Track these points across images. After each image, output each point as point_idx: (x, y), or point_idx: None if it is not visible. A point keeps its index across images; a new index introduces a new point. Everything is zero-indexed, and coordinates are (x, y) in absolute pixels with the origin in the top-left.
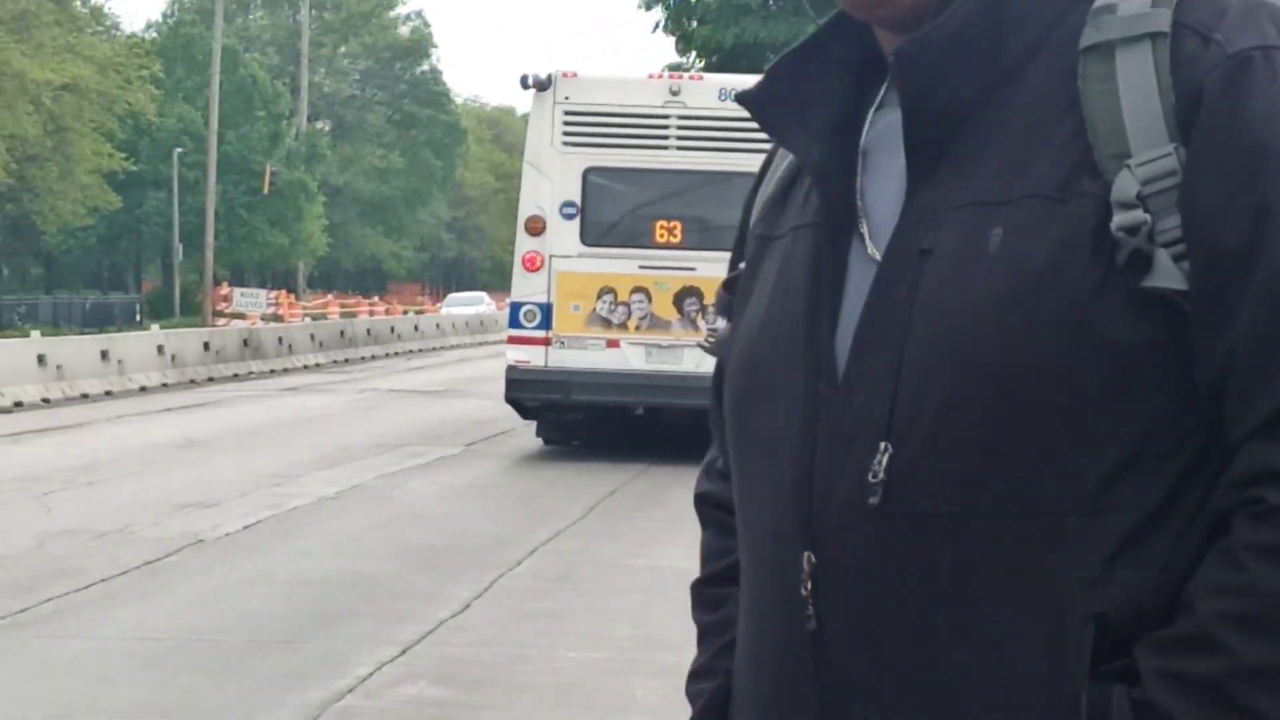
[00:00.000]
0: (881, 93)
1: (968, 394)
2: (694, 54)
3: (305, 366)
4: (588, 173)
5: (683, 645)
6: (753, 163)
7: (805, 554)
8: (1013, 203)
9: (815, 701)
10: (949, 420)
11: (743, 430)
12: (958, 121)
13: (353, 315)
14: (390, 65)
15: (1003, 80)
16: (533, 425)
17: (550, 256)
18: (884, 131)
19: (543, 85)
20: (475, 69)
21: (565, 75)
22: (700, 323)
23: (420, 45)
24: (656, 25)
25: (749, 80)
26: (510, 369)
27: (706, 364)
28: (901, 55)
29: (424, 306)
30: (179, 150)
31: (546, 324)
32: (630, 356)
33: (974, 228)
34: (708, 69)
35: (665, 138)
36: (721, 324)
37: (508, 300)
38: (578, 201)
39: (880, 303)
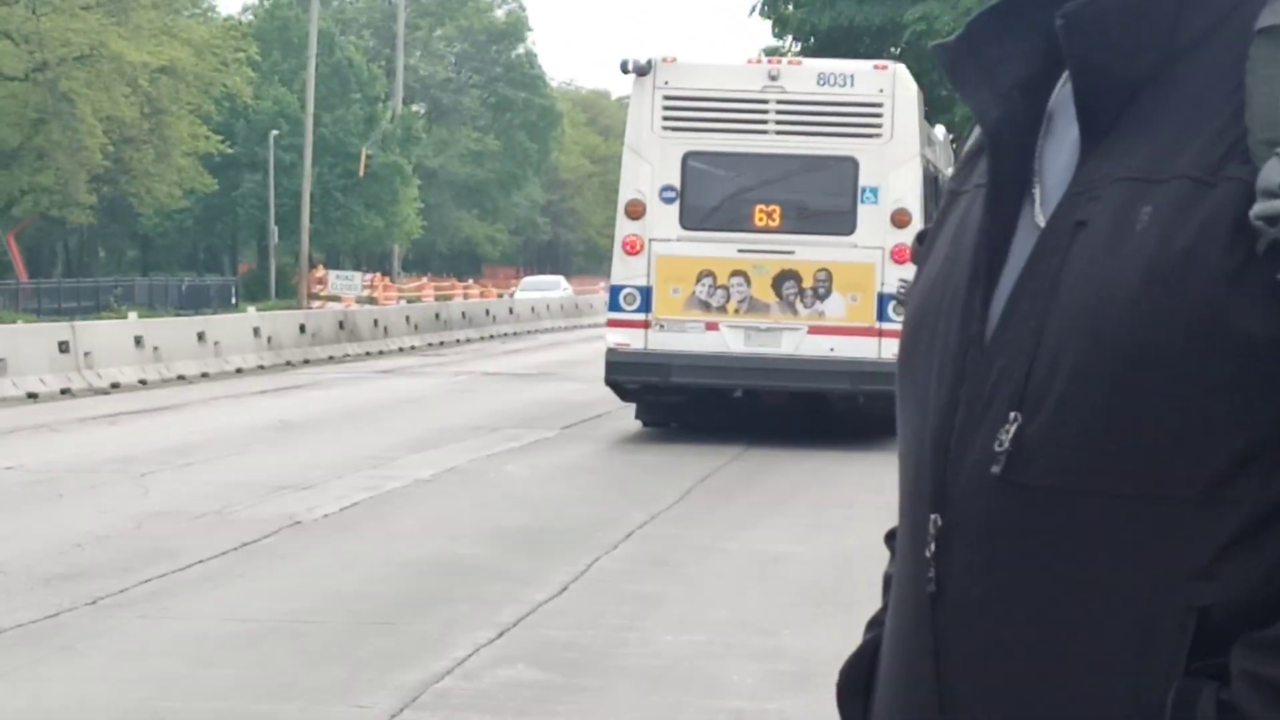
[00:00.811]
0: None
1: (1096, 371)
2: (790, 37)
3: (400, 349)
4: (687, 157)
5: (779, 629)
6: (849, 147)
7: (933, 516)
8: (1164, 182)
9: (930, 663)
10: (1075, 396)
11: (903, 384)
12: (1130, 94)
13: (447, 298)
14: (486, 48)
15: (1178, 56)
16: (629, 408)
17: (650, 240)
18: (1067, 96)
19: (643, 70)
20: (571, 52)
21: (665, 60)
22: (799, 306)
23: (516, 28)
24: (753, 9)
25: (847, 65)
26: (610, 351)
27: (805, 347)
28: (1068, 19)
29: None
30: (275, 133)
31: (646, 307)
32: (729, 339)
33: (1126, 204)
34: (804, 52)
35: (764, 122)
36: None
37: (604, 284)
38: (677, 185)
39: (1033, 272)
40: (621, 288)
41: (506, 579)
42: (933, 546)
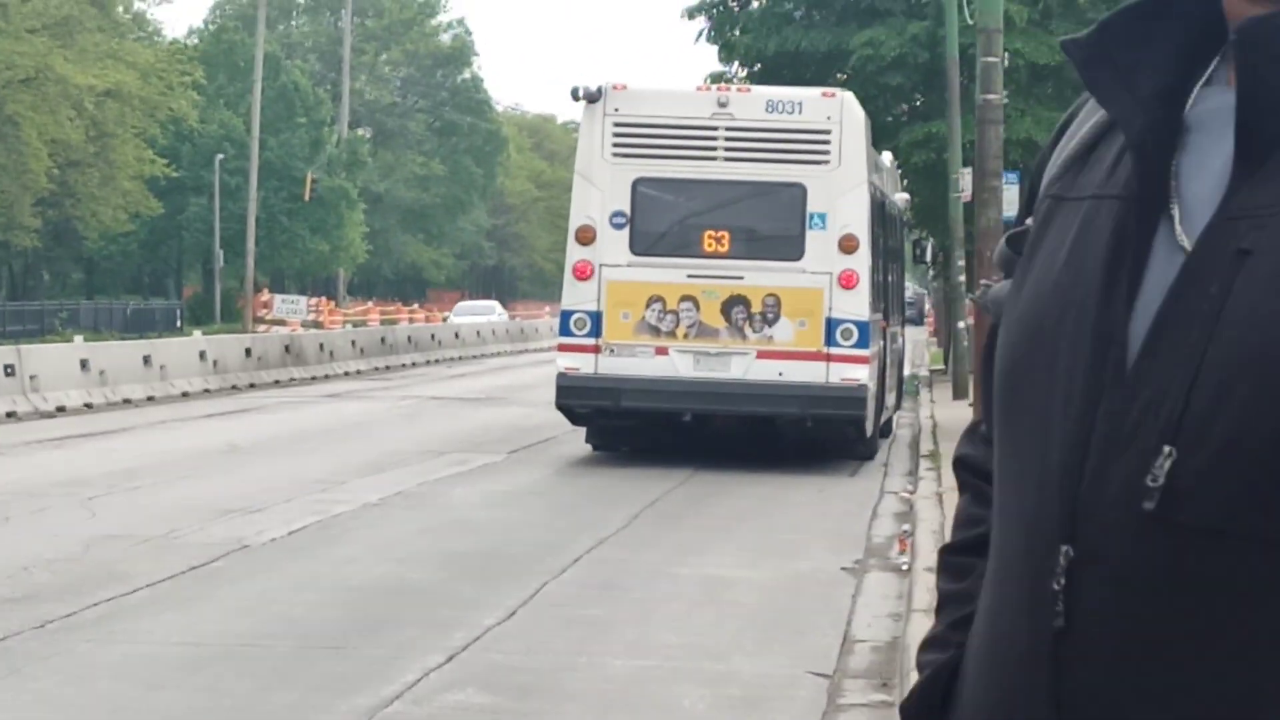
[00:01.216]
0: (1212, 67)
1: (1269, 410)
2: (736, 63)
3: (346, 373)
4: (637, 183)
5: (729, 654)
6: (797, 174)
7: (1063, 548)
8: None
9: (1048, 703)
10: (1244, 435)
11: (1012, 400)
12: None
13: (393, 322)
14: (431, 73)
15: None
16: (577, 433)
17: (600, 265)
18: (1211, 112)
19: (593, 97)
20: (516, 77)
21: (615, 88)
22: (748, 330)
23: (462, 53)
24: (699, 34)
25: (795, 93)
26: (561, 376)
27: (754, 371)
28: (1245, 34)
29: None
30: (220, 157)
31: (596, 332)
32: (679, 364)
33: None
34: (750, 78)
35: (713, 149)
36: (998, 280)
37: (549, 308)
38: (627, 211)
39: (1186, 297)
40: (572, 313)
41: (455, 603)
42: (1062, 580)
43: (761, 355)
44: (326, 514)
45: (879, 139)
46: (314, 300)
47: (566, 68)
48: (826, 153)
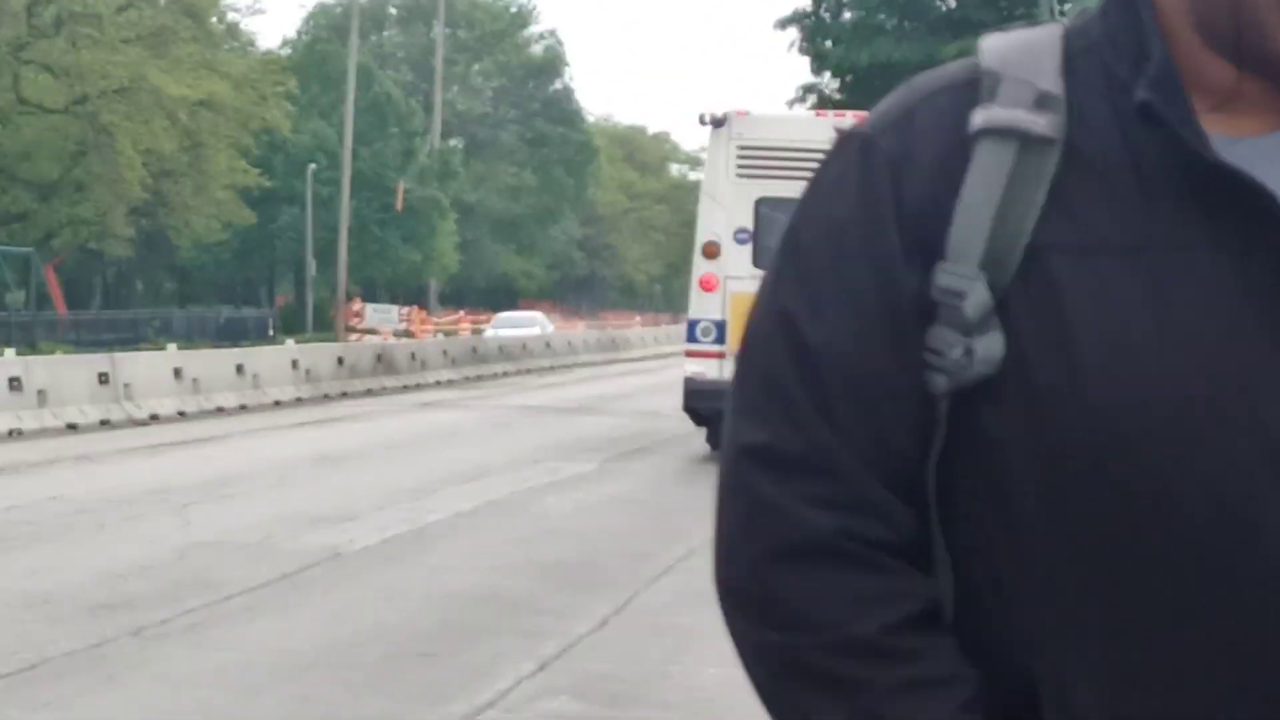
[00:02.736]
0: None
1: None
2: (828, 74)
3: (437, 382)
4: (759, 202)
5: None
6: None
7: None
8: None
9: None
10: None
11: (1146, 483)
12: None
13: (484, 332)
14: (523, 83)
15: None
16: (670, 441)
17: (725, 278)
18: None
19: (719, 123)
20: (608, 88)
21: (739, 114)
22: None
23: (553, 64)
24: (791, 44)
25: None
26: (688, 380)
27: None
28: None
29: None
30: (313, 166)
31: (721, 340)
32: None
33: None
34: (841, 89)
35: None
36: (954, 342)
37: (639, 319)
38: (750, 228)
39: None
40: (698, 321)
41: (547, 612)
42: None
43: None
44: (418, 522)
45: None
46: (406, 309)
47: (658, 79)
48: None
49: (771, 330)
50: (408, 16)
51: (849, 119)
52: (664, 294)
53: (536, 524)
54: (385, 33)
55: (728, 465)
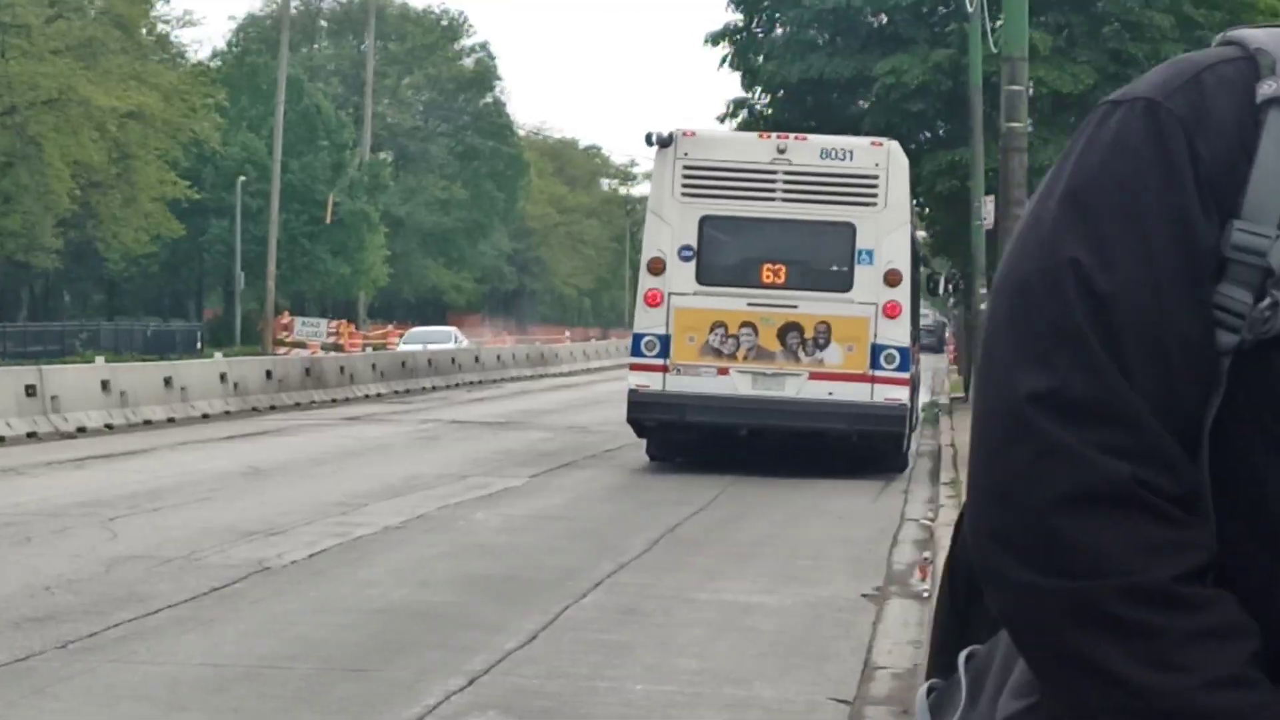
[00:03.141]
0: None
1: None
2: (759, 89)
3: (366, 396)
4: (703, 220)
5: (749, 680)
6: (848, 214)
7: None
8: None
9: None
10: None
11: None
12: None
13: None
14: (454, 96)
15: None
16: (598, 457)
17: (669, 294)
18: None
19: (665, 142)
20: (540, 101)
21: (685, 134)
22: (801, 354)
23: (484, 77)
24: (723, 60)
25: (847, 141)
26: (632, 392)
27: (806, 391)
28: None
29: (484, 338)
30: (242, 179)
31: (665, 353)
32: (738, 383)
33: None
34: (773, 104)
35: (773, 191)
36: (1244, 299)
37: (569, 333)
38: (694, 245)
39: None
40: (643, 335)
41: (477, 626)
42: None
43: (813, 376)
44: (347, 536)
45: None
46: (334, 323)
47: (590, 93)
48: (875, 195)
49: (1058, 280)
50: (338, 29)
51: (790, 140)
52: (594, 308)
53: (465, 539)
54: (316, 45)
55: (1006, 412)
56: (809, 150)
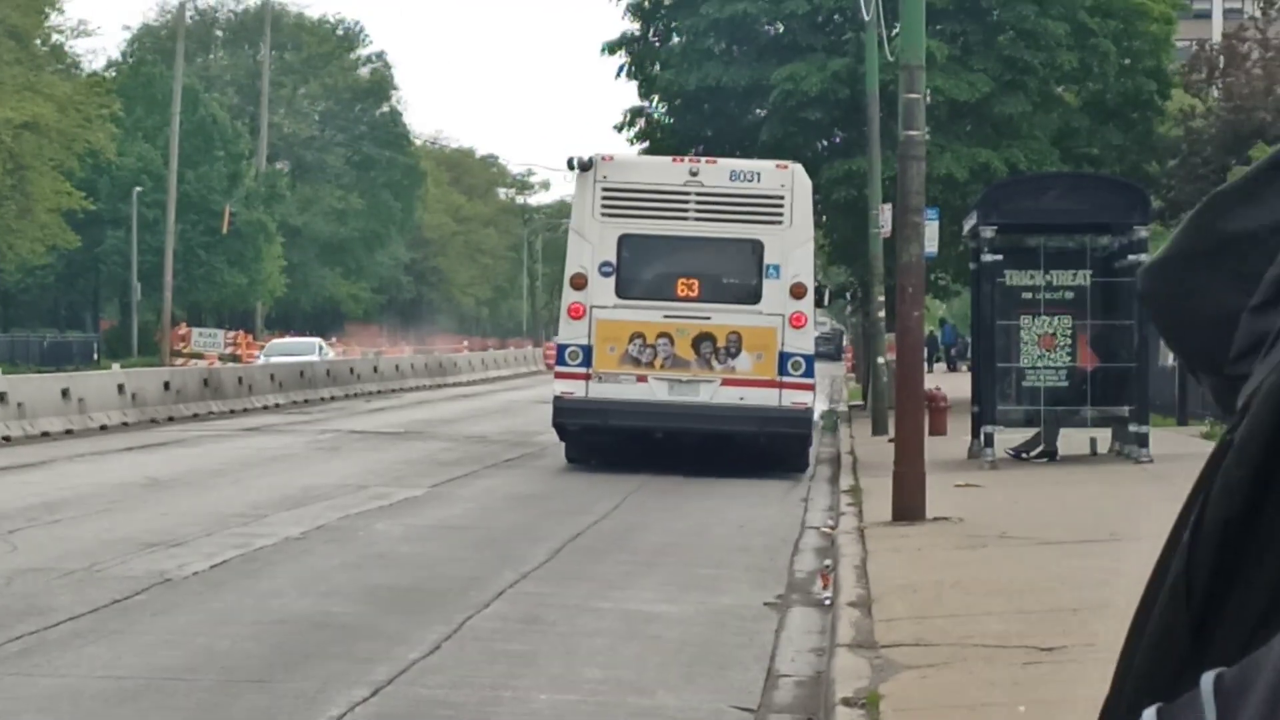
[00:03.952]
0: None
1: None
2: (656, 98)
3: (265, 407)
4: (622, 239)
5: (653, 689)
6: (756, 232)
7: None
8: None
9: None
10: None
11: None
12: None
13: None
14: (350, 106)
15: None
16: (498, 467)
17: (591, 307)
18: None
19: (585, 166)
20: (436, 111)
21: (604, 158)
22: (714, 362)
23: (381, 87)
24: (620, 69)
25: (754, 164)
26: (557, 399)
27: (719, 396)
28: None
29: (382, 349)
30: (138, 189)
31: (587, 362)
32: (656, 389)
33: None
34: (670, 112)
35: (686, 211)
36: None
37: (467, 343)
38: (614, 262)
39: None
40: (567, 345)
41: (380, 637)
42: None
43: (725, 383)
44: (248, 548)
45: None
46: (232, 334)
47: (487, 102)
48: (780, 214)
49: None
50: (234, 39)
51: (701, 164)
52: (492, 318)
53: (367, 549)
54: (211, 55)
55: None
56: (719, 173)
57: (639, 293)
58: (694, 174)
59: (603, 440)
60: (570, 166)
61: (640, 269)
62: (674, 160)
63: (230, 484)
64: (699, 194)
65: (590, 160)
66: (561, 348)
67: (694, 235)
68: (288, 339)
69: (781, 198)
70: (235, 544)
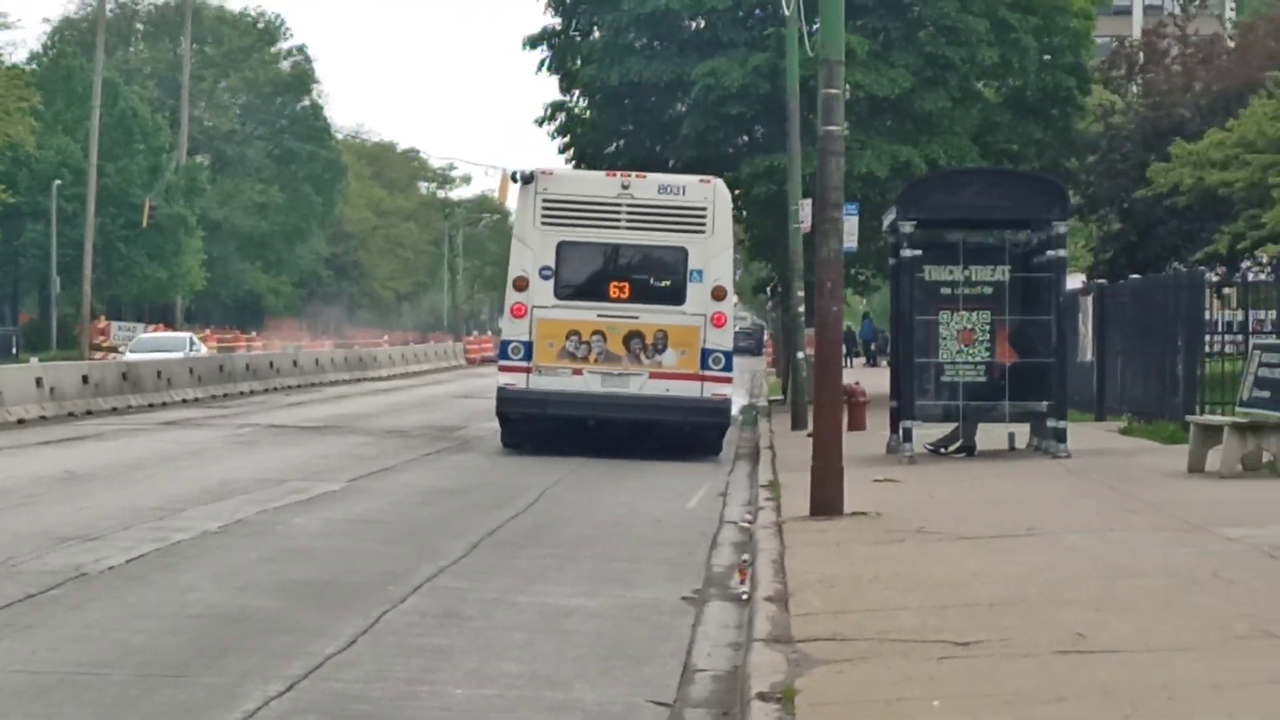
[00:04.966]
0: None
1: None
2: (578, 93)
3: (184, 401)
4: (560, 245)
5: (570, 682)
6: (681, 240)
7: None
8: None
9: None
10: None
11: None
12: None
13: (231, 350)
14: (271, 100)
15: None
16: (417, 461)
17: (532, 307)
18: None
19: (527, 179)
20: (357, 104)
21: (544, 173)
22: (643, 357)
23: (302, 81)
24: (541, 64)
25: (680, 179)
26: (501, 389)
27: (647, 388)
28: None
29: (303, 343)
30: (58, 183)
31: (528, 357)
32: (590, 382)
33: None
34: (591, 107)
35: (618, 220)
36: None
37: (387, 337)
38: (553, 266)
39: None
40: (510, 342)
41: (296, 631)
42: None
43: (653, 376)
44: (165, 542)
45: (720, 169)
46: (151, 328)
47: (408, 96)
48: (703, 224)
49: None
50: (154, 32)
51: (632, 178)
52: (412, 312)
53: (284, 543)
54: (132, 48)
55: None
56: (648, 186)
57: (575, 294)
58: (625, 187)
59: (541, 428)
60: (514, 179)
61: (577, 273)
62: (608, 174)
63: (148, 478)
64: (630, 205)
65: (532, 174)
66: (504, 344)
67: (625, 242)
68: (157, 334)
69: (704, 209)
70: (152, 538)
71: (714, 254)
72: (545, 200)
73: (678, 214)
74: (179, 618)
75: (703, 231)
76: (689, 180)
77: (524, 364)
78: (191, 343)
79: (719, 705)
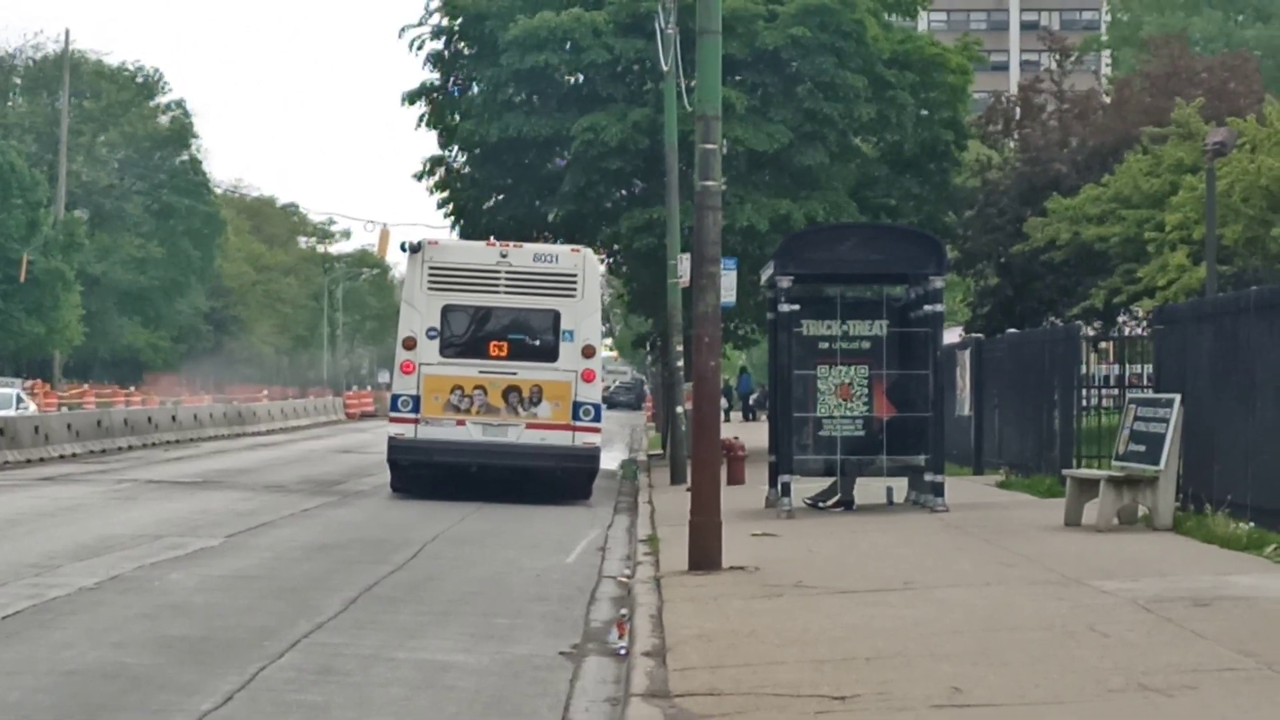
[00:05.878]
0: None
1: None
2: (456, 147)
3: (62, 456)
4: (445, 308)
5: None
6: (554, 304)
7: None
8: None
9: None
10: None
11: None
12: None
13: (110, 405)
14: (150, 154)
15: None
16: (294, 518)
17: (420, 364)
18: None
19: (415, 249)
20: (237, 159)
21: (430, 243)
22: (520, 409)
23: (181, 135)
24: (421, 119)
25: (553, 248)
26: (391, 439)
27: (524, 437)
28: None
29: (182, 398)
30: None
31: (416, 409)
32: (472, 431)
33: None
34: (470, 162)
35: (497, 286)
36: None
37: (266, 392)
38: (438, 327)
39: None
40: (399, 395)
41: (172, 688)
42: None
43: (529, 426)
44: (42, 598)
45: (600, 223)
46: (29, 383)
47: (287, 150)
48: (574, 289)
49: None
50: (32, 85)
51: (510, 248)
52: (292, 367)
53: (161, 599)
54: (9, 102)
55: None
56: (525, 255)
57: (459, 353)
58: (504, 256)
59: (428, 474)
60: (403, 249)
61: (460, 333)
62: (488, 244)
63: (25, 534)
64: (508, 272)
65: (420, 244)
66: (395, 397)
67: (504, 305)
68: None
69: (575, 275)
70: (28, 594)
71: (584, 316)
72: (431, 267)
73: (551, 280)
74: (55, 674)
75: (574, 296)
76: (561, 249)
77: (412, 415)
78: (19, 399)
79: None
